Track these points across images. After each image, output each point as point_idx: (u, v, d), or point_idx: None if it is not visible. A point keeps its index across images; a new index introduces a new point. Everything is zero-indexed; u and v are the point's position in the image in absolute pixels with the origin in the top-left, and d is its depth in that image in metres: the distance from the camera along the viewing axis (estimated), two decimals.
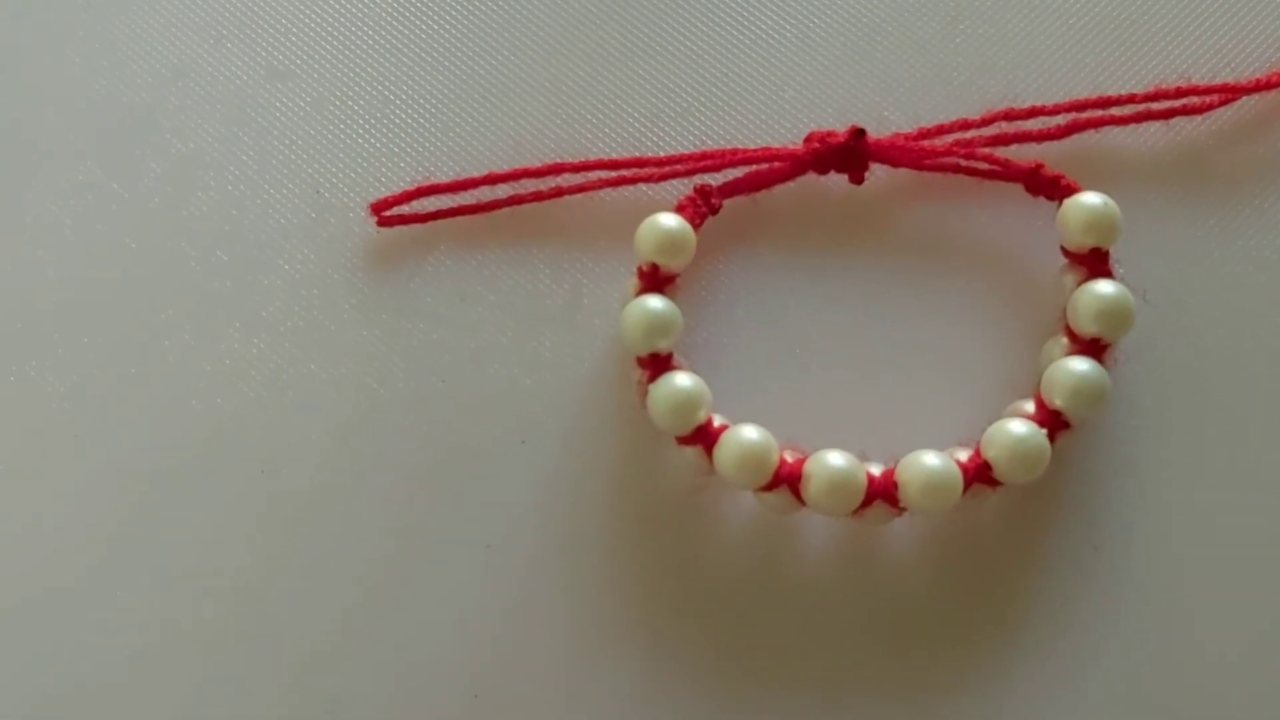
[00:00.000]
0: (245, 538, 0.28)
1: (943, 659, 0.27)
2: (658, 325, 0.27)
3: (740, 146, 0.30)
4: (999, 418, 0.27)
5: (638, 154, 0.30)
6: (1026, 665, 0.27)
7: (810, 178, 0.30)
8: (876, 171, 0.30)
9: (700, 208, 0.29)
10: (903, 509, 0.26)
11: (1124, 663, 0.27)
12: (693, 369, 0.28)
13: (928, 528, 0.27)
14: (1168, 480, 0.27)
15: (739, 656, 0.27)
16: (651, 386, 0.27)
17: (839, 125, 0.30)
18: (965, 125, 0.30)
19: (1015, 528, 0.27)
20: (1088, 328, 0.27)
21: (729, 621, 0.27)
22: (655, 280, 0.28)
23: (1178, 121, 0.30)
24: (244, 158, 0.31)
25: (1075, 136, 0.29)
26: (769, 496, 0.26)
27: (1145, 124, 0.30)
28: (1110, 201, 0.27)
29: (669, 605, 0.27)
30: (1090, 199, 0.27)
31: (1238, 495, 0.27)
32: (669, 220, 0.28)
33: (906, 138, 0.30)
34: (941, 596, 0.27)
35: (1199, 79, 0.30)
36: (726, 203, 0.29)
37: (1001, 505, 0.27)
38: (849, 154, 0.29)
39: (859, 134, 0.29)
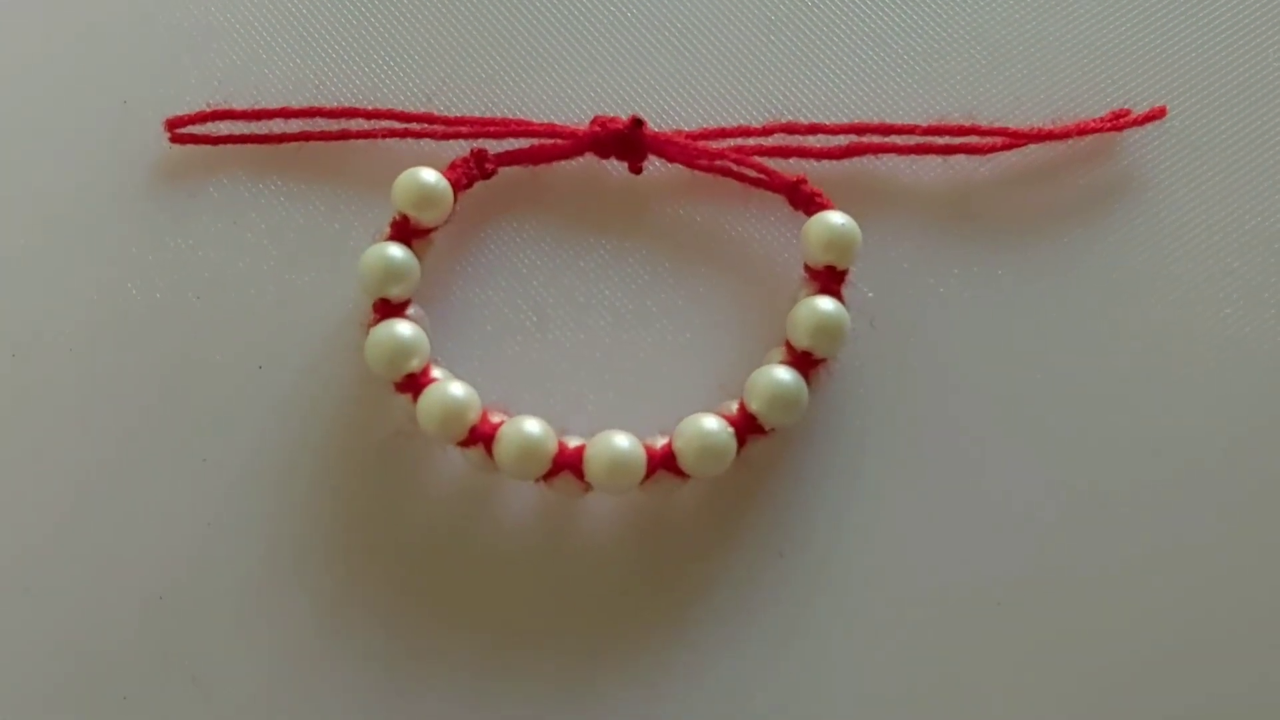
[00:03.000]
0: None
1: (610, 640, 0.27)
2: (391, 271, 0.28)
3: (530, 120, 0.31)
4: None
5: (431, 111, 0.31)
6: (693, 664, 0.27)
7: (594, 162, 0.31)
8: (655, 164, 0.30)
9: (471, 170, 0.30)
10: (588, 485, 0.27)
11: (776, 663, 0.27)
12: (427, 320, 0.28)
13: (622, 509, 0.28)
14: (856, 496, 0.28)
15: (421, 603, 0.28)
16: (371, 330, 0.27)
17: (633, 113, 0.30)
18: (746, 132, 0.30)
19: (706, 524, 0.28)
20: (801, 340, 0.27)
21: (418, 568, 0.28)
22: (405, 231, 0.29)
23: (957, 160, 0.30)
24: (61, 65, 0.32)
25: (854, 160, 0.30)
26: (467, 453, 0.27)
27: (925, 157, 0.30)
28: (851, 223, 0.28)
29: (364, 542, 0.28)
30: (833, 218, 0.28)
31: (921, 518, 0.28)
32: (426, 175, 0.28)
33: (687, 135, 0.30)
34: (624, 580, 0.28)
35: (986, 121, 0.31)
36: (509, 173, 0.30)
37: (695, 499, 0.28)
38: (627, 141, 0.30)
39: (637, 124, 0.29)
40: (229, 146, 0.31)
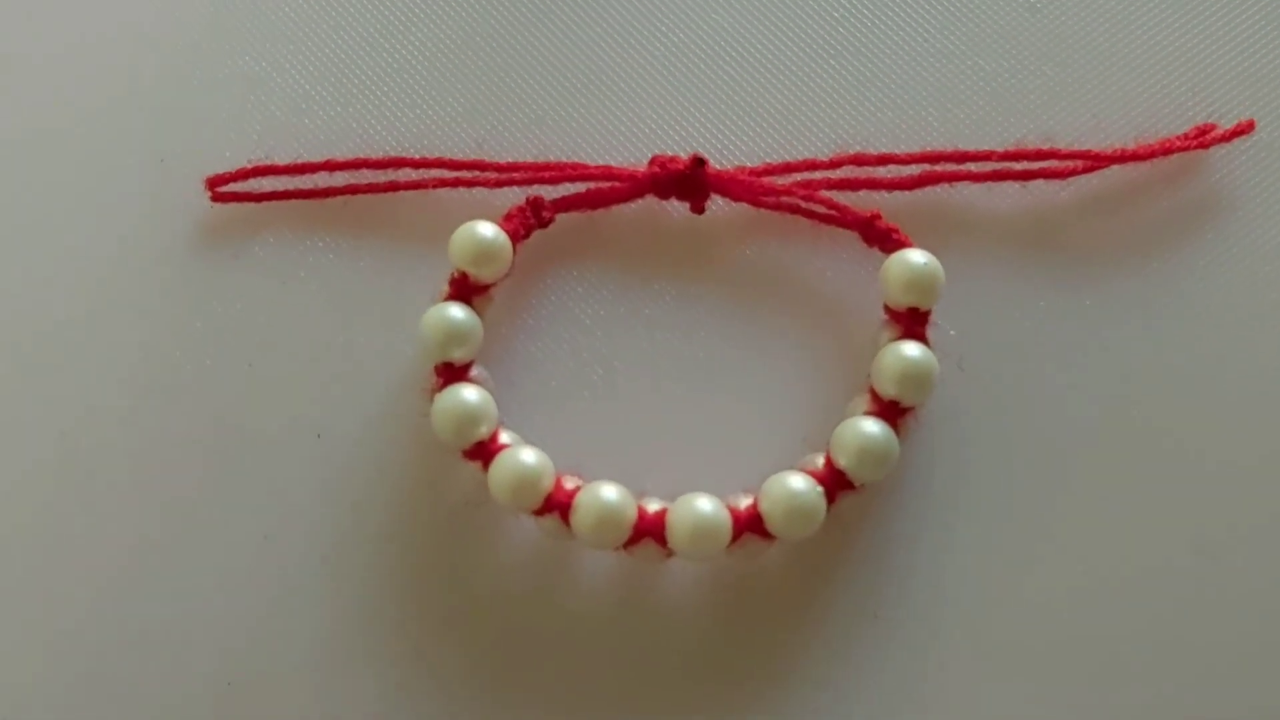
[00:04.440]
0: (33, 499, 0.28)
1: (696, 710, 0.26)
2: (454, 334, 0.26)
3: (586, 163, 0.30)
4: (790, 468, 0.26)
5: (482, 156, 0.30)
6: None
7: (654, 204, 0.29)
8: (719, 203, 0.29)
9: (529, 219, 0.28)
10: (670, 551, 0.26)
11: None
12: (491, 381, 0.27)
13: (706, 572, 0.27)
14: (954, 550, 0.27)
15: (495, 675, 0.27)
16: (436, 396, 0.26)
17: (691, 152, 0.29)
18: (812, 165, 0.29)
19: (793, 585, 0.27)
20: (888, 389, 0.26)
21: (491, 639, 0.27)
22: (464, 288, 0.27)
23: (1036, 185, 0.29)
24: (95, 123, 0.30)
25: (928, 189, 0.29)
26: (541, 521, 0.26)
27: (1002, 183, 0.29)
28: (933, 261, 0.27)
29: (434, 615, 0.27)
30: (914, 257, 0.27)
31: (1021, 570, 0.27)
32: (484, 229, 0.27)
33: (750, 172, 0.29)
34: (710, 647, 0.27)
35: (1065, 143, 0.29)
36: (566, 218, 0.29)
37: (782, 560, 0.27)
38: (688, 182, 0.28)
39: (699, 162, 0.28)
40: (273, 203, 0.29)
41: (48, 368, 0.29)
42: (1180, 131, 0.29)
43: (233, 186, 0.29)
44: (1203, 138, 0.29)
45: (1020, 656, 0.26)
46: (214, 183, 0.29)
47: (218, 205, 0.29)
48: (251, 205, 0.29)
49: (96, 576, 0.27)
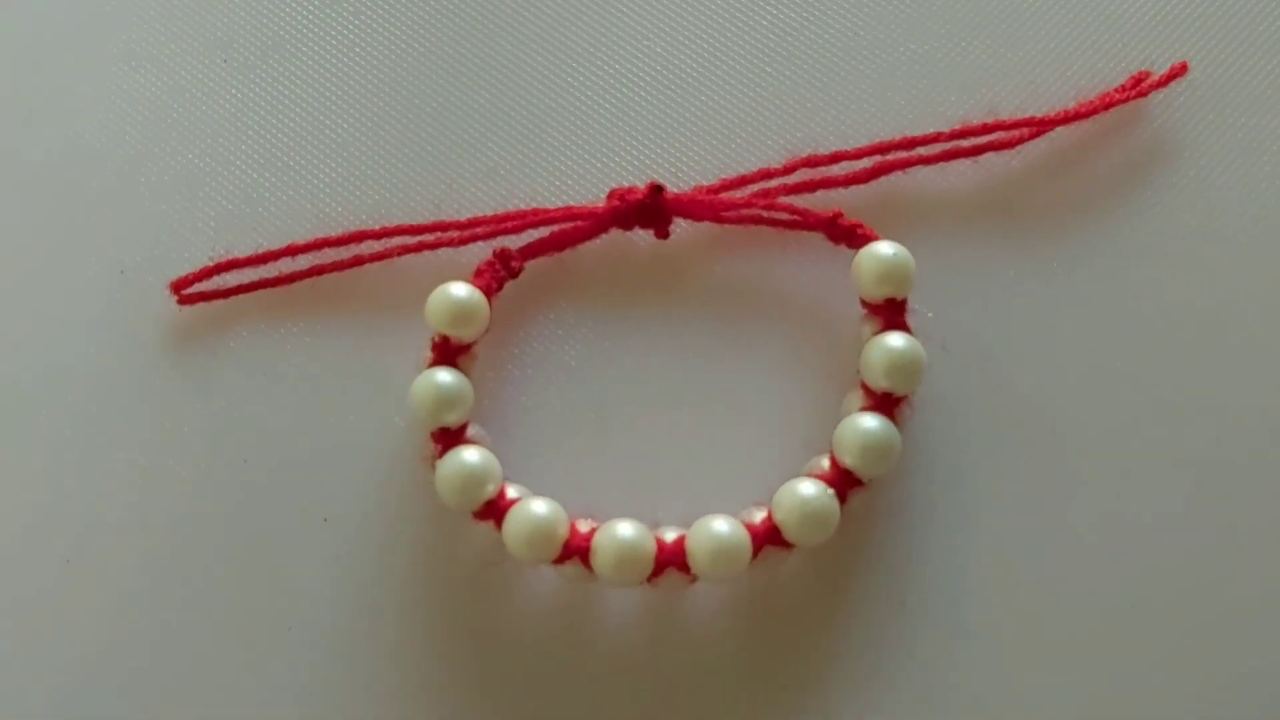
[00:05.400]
0: (50, 630, 0.28)
1: None
2: (445, 400, 0.26)
3: (544, 206, 0.30)
4: (797, 475, 0.26)
5: (441, 217, 0.30)
6: None
7: (619, 237, 0.29)
8: (682, 225, 0.29)
9: (499, 272, 0.28)
10: (694, 576, 0.26)
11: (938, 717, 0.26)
12: (489, 438, 0.27)
13: (729, 592, 0.27)
14: (969, 530, 0.27)
15: None
16: (438, 463, 0.26)
17: (647, 179, 0.29)
18: (768, 174, 0.29)
19: (817, 589, 0.27)
20: (879, 382, 0.26)
21: (531, 696, 0.27)
22: (447, 351, 0.27)
23: (986, 158, 0.29)
24: (49, 245, 0.30)
25: (883, 179, 0.29)
26: (562, 569, 0.26)
27: (953, 162, 0.29)
28: (902, 251, 0.27)
29: (470, 682, 0.27)
30: (882, 249, 0.27)
31: (1038, 540, 0.27)
32: (458, 290, 0.27)
33: (708, 190, 0.29)
34: (746, 663, 0.27)
35: (1008, 113, 0.30)
36: (535, 264, 0.29)
37: (803, 566, 0.27)
38: (649, 210, 0.29)
39: (657, 190, 0.28)
40: (240, 297, 0.29)
41: (42, 498, 0.28)
42: (1117, 84, 0.30)
43: (198, 287, 0.29)
44: (1139, 87, 0.30)
45: (1047, 613, 0.27)
46: (178, 286, 0.29)
47: (186, 308, 0.29)
48: (220, 302, 0.29)
49: (126, 690, 0.27)
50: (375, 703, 0.27)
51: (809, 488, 0.25)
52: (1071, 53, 0.30)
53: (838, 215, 0.28)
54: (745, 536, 0.25)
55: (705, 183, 0.30)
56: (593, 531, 0.26)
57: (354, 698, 0.27)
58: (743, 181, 0.29)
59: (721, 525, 0.25)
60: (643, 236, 0.29)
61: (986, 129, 0.29)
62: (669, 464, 0.28)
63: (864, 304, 0.28)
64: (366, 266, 0.29)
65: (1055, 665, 0.26)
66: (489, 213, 0.29)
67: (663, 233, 0.29)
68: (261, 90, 0.31)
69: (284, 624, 0.27)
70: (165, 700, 0.27)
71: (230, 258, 0.29)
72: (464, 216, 0.29)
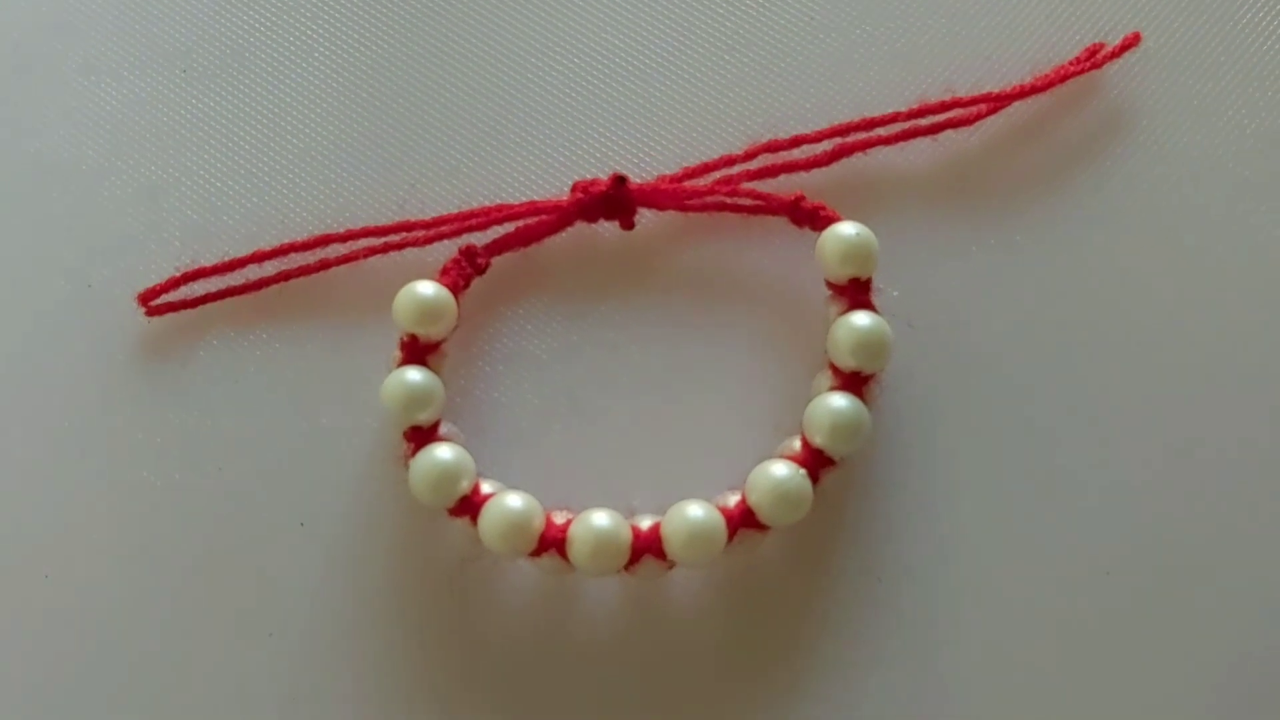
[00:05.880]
0: (29, 642, 0.28)
1: (731, 711, 0.26)
2: (415, 398, 0.27)
3: (510, 202, 0.30)
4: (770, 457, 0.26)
5: (406, 217, 0.30)
6: (816, 708, 0.26)
7: (585, 229, 0.30)
8: (647, 215, 0.29)
9: (465, 269, 0.28)
10: (671, 562, 0.26)
11: (915, 691, 0.26)
12: (462, 435, 0.27)
13: (707, 576, 0.27)
14: (942, 505, 0.27)
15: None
16: (411, 462, 0.26)
17: (610, 171, 0.29)
18: (729, 161, 0.29)
19: (794, 569, 0.27)
20: (846, 361, 0.26)
21: (517, 688, 0.27)
22: (416, 350, 0.27)
23: (945, 136, 0.29)
24: (14, 262, 0.30)
25: (843, 161, 0.29)
26: (540, 561, 0.26)
27: (913, 141, 0.29)
28: (864, 231, 0.27)
29: (455, 677, 0.27)
30: (844, 229, 0.27)
31: (1011, 512, 0.27)
32: (424, 288, 0.27)
33: (671, 179, 0.29)
34: (726, 645, 0.27)
35: (965, 90, 0.30)
36: (502, 260, 0.29)
37: (779, 547, 0.27)
38: (613, 202, 0.29)
39: (620, 181, 0.28)
40: (209, 305, 0.29)
41: (17, 515, 0.28)
42: (1072, 57, 0.30)
43: (165, 298, 0.29)
44: (1094, 58, 0.30)
45: (1024, 579, 0.27)
46: (146, 297, 0.29)
47: (154, 319, 0.29)
48: (188, 312, 0.29)
49: (103, 703, 0.27)
50: (359, 704, 0.27)
51: (781, 469, 0.26)
52: (1026, 27, 0.30)
53: (800, 198, 0.28)
54: (720, 520, 0.25)
55: (668, 172, 0.30)
56: (568, 523, 0.26)
57: (337, 701, 0.27)
58: (705, 169, 0.29)
59: (696, 510, 0.25)
60: (608, 228, 0.29)
61: (944, 106, 0.29)
62: (643, 453, 0.28)
63: (829, 285, 0.28)
64: (333, 270, 0.29)
65: (1033, 638, 0.27)
66: (454, 211, 0.29)
67: (628, 224, 0.29)
68: (222, 99, 0.31)
69: (265, 630, 0.27)
70: (145, 709, 0.27)
71: (197, 267, 0.29)
72: (429, 216, 0.29)
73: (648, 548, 0.26)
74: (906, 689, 0.26)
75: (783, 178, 0.29)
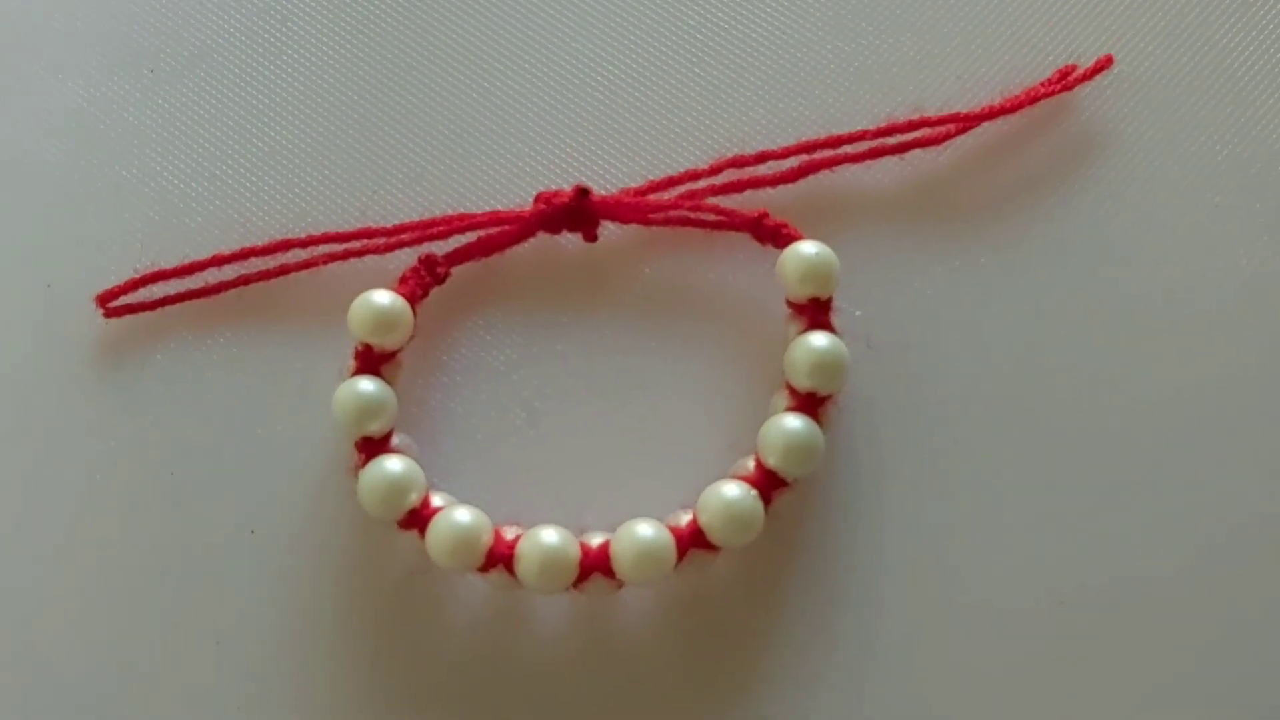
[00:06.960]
0: None
1: None
2: (366, 409, 0.26)
3: (472, 211, 0.30)
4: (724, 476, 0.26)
5: (366, 224, 0.29)
6: None
7: (547, 240, 0.29)
8: (610, 228, 0.29)
9: (424, 278, 0.28)
10: (620, 582, 0.26)
11: (861, 713, 0.26)
12: (415, 446, 0.27)
13: (657, 596, 0.27)
14: (895, 528, 0.27)
15: None
16: (360, 473, 0.26)
17: (573, 182, 0.29)
18: (694, 175, 0.29)
19: (745, 590, 0.27)
20: (803, 382, 0.26)
21: (464, 702, 0.27)
22: (370, 360, 0.27)
23: (913, 155, 0.29)
24: None
25: (810, 178, 0.29)
26: (488, 577, 0.26)
27: (880, 160, 0.29)
28: (825, 250, 0.27)
29: (400, 692, 0.27)
30: (805, 248, 0.27)
31: (966, 537, 0.27)
32: (380, 297, 0.27)
33: (635, 192, 0.29)
34: (676, 665, 0.27)
35: (934, 110, 0.29)
36: (462, 270, 0.29)
37: (730, 568, 0.27)
38: (576, 213, 0.28)
39: (583, 192, 0.28)
40: (167, 308, 0.29)
41: None
42: (1043, 78, 0.30)
43: (124, 299, 0.29)
44: (1065, 80, 0.29)
45: (974, 605, 0.27)
46: (104, 299, 0.29)
47: (112, 321, 0.29)
48: (146, 315, 0.29)
49: (51, 712, 0.27)
50: (305, 714, 0.27)
51: (732, 490, 0.25)
52: (997, 48, 0.30)
53: (763, 215, 0.28)
54: (669, 540, 0.25)
55: (632, 185, 0.29)
56: (517, 539, 0.26)
57: (284, 710, 0.27)
58: (670, 183, 0.29)
59: (645, 529, 0.25)
60: (570, 240, 0.29)
61: (913, 125, 0.29)
62: (598, 468, 0.28)
63: (789, 304, 0.27)
64: (293, 275, 0.29)
65: (986, 661, 0.26)
66: (415, 219, 0.29)
67: (590, 236, 0.29)
68: (187, 101, 0.31)
69: (212, 638, 0.27)
70: (89, 716, 0.27)
71: (156, 269, 0.29)
72: (390, 223, 0.29)
73: (597, 566, 0.25)
74: (853, 711, 0.26)
75: (748, 194, 0.29)
